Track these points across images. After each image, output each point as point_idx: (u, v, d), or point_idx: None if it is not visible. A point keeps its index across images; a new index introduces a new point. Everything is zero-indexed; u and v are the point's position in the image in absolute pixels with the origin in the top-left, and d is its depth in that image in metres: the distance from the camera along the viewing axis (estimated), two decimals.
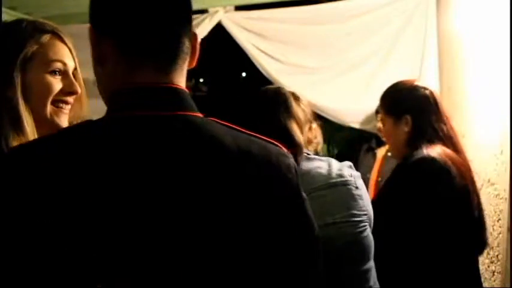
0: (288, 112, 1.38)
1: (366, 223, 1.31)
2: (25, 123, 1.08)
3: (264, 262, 0.75)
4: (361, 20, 2.94)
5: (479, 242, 1.73)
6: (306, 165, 1.33)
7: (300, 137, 1.36)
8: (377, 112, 2.71)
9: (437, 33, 2.81)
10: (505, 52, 1.97)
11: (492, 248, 2.12)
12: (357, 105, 2.96)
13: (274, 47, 2.97)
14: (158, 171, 0.72)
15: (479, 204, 1.70)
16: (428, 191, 1.61)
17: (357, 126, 3.09)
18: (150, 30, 0.76)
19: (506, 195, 2.01)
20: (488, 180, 2.14)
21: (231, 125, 0.81)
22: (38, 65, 1.13)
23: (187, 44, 0.80)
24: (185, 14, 0.80)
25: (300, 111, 1.41)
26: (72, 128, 0.80)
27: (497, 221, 2.09)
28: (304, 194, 0.83)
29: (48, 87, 1.14)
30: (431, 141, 1.68)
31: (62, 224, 0.68)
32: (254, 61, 3.05)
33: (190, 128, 0.76)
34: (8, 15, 3.23)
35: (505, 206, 2.02)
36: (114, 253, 0.69)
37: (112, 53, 0.78)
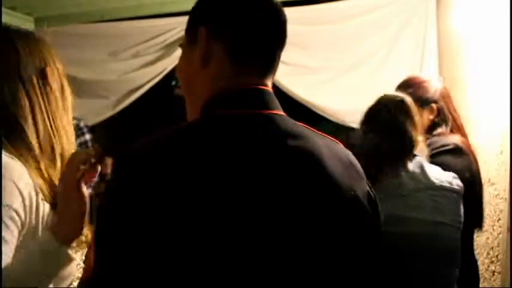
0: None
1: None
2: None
3: (346, 255, 0.83)
4: (361, 20, 2.93)
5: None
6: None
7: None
8: None
9: (437, 33, 2.81)
10: (505, 52, 1.97)
11: (492, 248, 2.12)
12: (357, 105, 2.95)
13: None
14: (265, 165, 0.78)
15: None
16: (469, 175, 1.75)
17: (357, 126, 3.08)
18: (260, 44, 0.86)
19: (506, 195, 2.01)
20: (489, 180, 2.14)
21: (305, 125, 0.90)
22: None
23: (278, 59, 0.91)
24: (284, 39, 0.91)
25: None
26: (185, 126, 0.84)
27: (497, 221, 2.09)
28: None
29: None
30: (450, 129, 1.87)
31: (180, 221, 0.72)
32: None
33: (288, 126, 0.84)
34: (8, 15, 3.23)
35: (505, 206, 2.03)
36: (227, 248, 0.73)
37: (220, 55, 0.84)
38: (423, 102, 1.86)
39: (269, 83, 0.89)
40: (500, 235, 2.07)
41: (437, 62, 2.79)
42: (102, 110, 3.23)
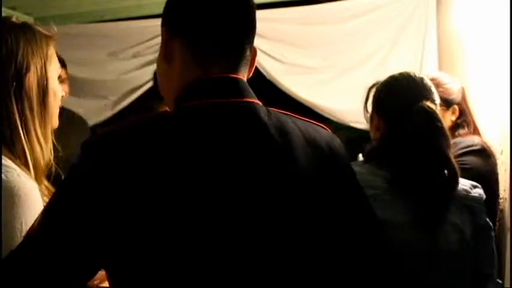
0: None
1: None
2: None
3: (335, 224, 0.85)
4: (362, 20, 2.94)
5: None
6: None
7: None
8: None
9: (437, 33, 2.80)
10: (505, 52, 1.97)
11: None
12: (357, 105, 2.95)
13: (274, 47, 2.97)
14: (236, 153, 0.79)
15: None
16: (494, 177, 1.78)
17: (357, 126, 3.08)
18: (219, 37, 0.85)
19: (506, 195, 2.01)
20: None
21: (283, 111, 0.90)
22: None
23: (248, 53, 0.89)
24: (251, 27, 0.89)
25: None
26: (155, 116, 0.85)
27: (497, 221, 2.08)
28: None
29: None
30: (471, 131, 1.88)
31: (137, 210, 0.72)
32: None
33: (260, 114, 0.84)
34: (8, 16, 3.22)
35: (505, 206, 2.02)
36: (197, 236, 0.73)
37: (182, 51, 0.85)
38: (447, 103, 1.87)
39: (242, 74, 0.88)
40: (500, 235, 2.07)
41: (437, 62, 2.79)
42: (101, 110, 3.23)
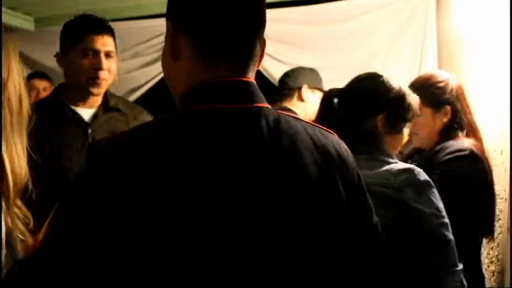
0: None
1: None
2: None
3: (338, 236, 0.84)
4: (362, 20, 2.94)
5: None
6: None
7: None
8: None
9: (436, 33, 2.80)
10: (505, 52, 1.97)
11: (492, 248, 2.11)
12: None
13: (274, 47, 2.97)
14: (245, 161, 0.76)
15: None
16: (484, 182, 1.70)
17: None
18: (227, 34, 0.81)
19: (506, 195, 2.01)
20: None
21: (293, 115, 0.89)
22: None
23: (258, 47, 0.86)
24: (260, 22, 0.86)
25: None
26: (163, 122, 0.81)
27: (497, 221, 2.09)
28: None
29: None
30: (465, 133, 1.78)
31: (149, 218, 0.70)
32: None
33: (270, 120, 0.81)
34: (8, 15, 3.23)
35: (505, 206, 2.02)
36: (203, 244, 0.72)
37: (188, 50, 0.81)
38: (439, 104, 1.79)
39: (251, 73, 0.84)
40: (500, 235, 2.07)
41: (437, 62, 2.79)
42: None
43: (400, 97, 1.45)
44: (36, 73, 3.20)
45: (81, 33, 1.77)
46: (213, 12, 0.80)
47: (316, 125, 0.90)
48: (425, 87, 1.80)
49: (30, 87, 3.02)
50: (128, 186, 0.71)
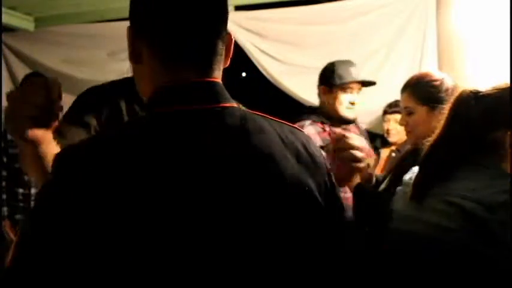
0: None
1: None
2: None
3: (312, 228, 0.83)
4: (362, 20, 2.94)
5: None
6: None
7: None
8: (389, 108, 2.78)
9: (437, 33, 2.80)
10: (505, 52, 1.97)
11: None
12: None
13: (274, 47, 2.97)
14: (213, 162, 0.75)
15: None
16: None
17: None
18: (183, 36, 0.80)
19: None
20: None
21: (260, 113, 0.87)
22: None
23: (220, 46, 0.83)
24: (219, 18, 0.83)
25: None
26: (126, 126, 0.82)
27: None
28: None
29: None
30: None
31: (118, 219, 0.69)
32: (254, 61, 3.05)
33: (236, 119, 0.80)
34: (8, 15, 3.23)
35: None
36: (167, 246, 0.70)
37: (147, 53, 0.81)
38: (433, 101, 1.76)
39: (216, 72, 0.83)
40: None
41: (437, 62, 2.79)
42: None
43: None
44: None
45: None
46: (167, 15, 0.79)
47: (285, 122, 0.89)
48: (420, 85, 1.80)
49: None
50: (90, 191, 0.69)
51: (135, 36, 0.82)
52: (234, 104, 0.83)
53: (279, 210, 0.78)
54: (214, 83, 0.82)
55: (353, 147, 1.43)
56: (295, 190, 0.80)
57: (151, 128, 0.76)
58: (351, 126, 2.27)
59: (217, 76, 0.83)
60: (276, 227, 0.77)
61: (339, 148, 1.44)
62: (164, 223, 0.70)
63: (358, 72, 2.23)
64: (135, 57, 0.83)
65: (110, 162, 0.71)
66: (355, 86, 2.20)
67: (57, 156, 0.75)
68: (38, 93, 0.94)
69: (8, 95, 0.94)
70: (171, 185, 0.71)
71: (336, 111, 2.22)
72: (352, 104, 2.19)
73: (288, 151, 0.82)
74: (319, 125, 2.21)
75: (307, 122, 2.20)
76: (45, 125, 0.98)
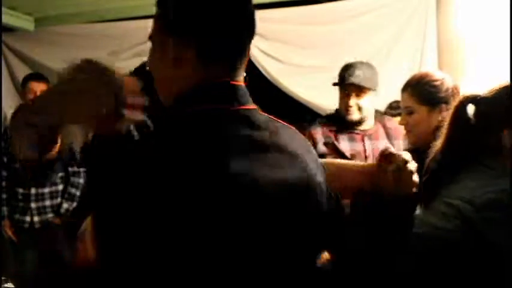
0: None
1: None
2: None
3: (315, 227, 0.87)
4: (362, 20, 2.94)
5: None
6: None
7: None
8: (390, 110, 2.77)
9: (437, 33, 2.81)
10: (505, 52, 1.97)
11: None
12: None
13: (274, 47, 2.97)
14: (241, 161, 0.79)
15: None
16: None
17: None
18: (227, 42, 0.86)
19: None
20: None
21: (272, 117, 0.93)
22: None
23: (248, 52, 0.91)
24: (252, 29, 0.89)
25: None
26: (164, 125, 0.86)
27: None
28: None
29: None
30: None
31: (163, 219, 0.74)
32: (254, 61, 3.04)
33: (264, 119, 0.87)
34: (8, 15, 3.23)
35: None
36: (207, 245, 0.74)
37: (191, 59, 0.85)
38: (434, 102, 1.77)
39: (240, 76, 0.89)
40: None
41: (437, 62, 2.79)
42: None
43: None
44: (33, 75, 3.10)
45: None
46: (215, 22, 0.85)
47: (286, 124, 0.95)
48: (421, 85, 1.80)
49: (27, 90, 2.97)
50: (147, 194, 0.74)
51: (178, 46, 0.85)
52: (256, 107, 0.89)
53: (307, 209, 0.85)
54: (241, 86, 0.88)
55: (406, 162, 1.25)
56: (321, 190, 0.88)
57: (199, 125, 0.81)
58: (372, 131, 2.23)
59: (242, 78, 0.89)
60: (299, 224, 0.83)
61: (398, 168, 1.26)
62: (200, 222, 0.74)
63: (361, 75, 2.20)
64: (175, 63, 0.86)
65: (155, 163, 0.76)
66: (353, 88, 2.19)
67: (120, 156, 0.81)
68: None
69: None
70: (197, 183, 0.75)
71: (339, 112, 2.22)
72: (350, 106, 2.18)
73: (306, 151, 0.89)
74: (324, 128, 2.21)
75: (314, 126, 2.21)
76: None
